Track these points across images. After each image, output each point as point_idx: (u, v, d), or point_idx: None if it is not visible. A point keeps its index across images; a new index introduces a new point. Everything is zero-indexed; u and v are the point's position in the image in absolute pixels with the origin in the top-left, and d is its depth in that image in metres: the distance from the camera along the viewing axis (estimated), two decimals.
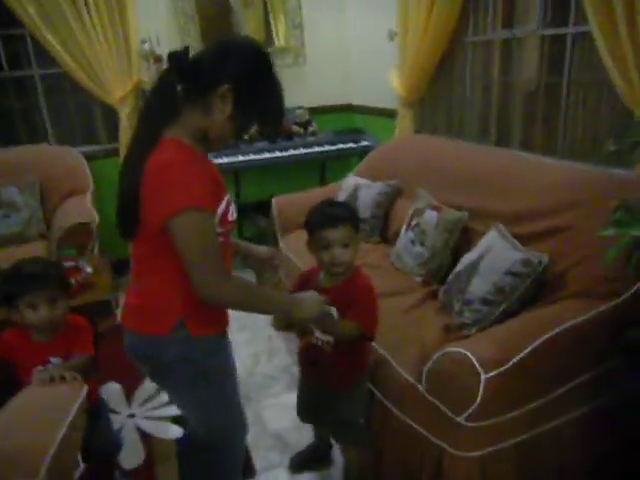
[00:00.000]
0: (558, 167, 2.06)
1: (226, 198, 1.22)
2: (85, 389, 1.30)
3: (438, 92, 3.08)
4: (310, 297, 1.33)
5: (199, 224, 1.09)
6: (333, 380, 1.61)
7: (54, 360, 1.50)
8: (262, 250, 1.56)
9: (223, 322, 1.33)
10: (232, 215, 1.25)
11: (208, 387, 1.30)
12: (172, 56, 1.15)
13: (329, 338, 1.56)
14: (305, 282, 1.63)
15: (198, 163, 1.15)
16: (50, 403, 1.17)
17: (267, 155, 3.48)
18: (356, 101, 4.03)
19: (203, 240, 1.10)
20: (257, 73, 1.17)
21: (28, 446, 0.94)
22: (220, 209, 1.19)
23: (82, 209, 3.00)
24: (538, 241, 1.83)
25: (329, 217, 1.49)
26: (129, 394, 2.37)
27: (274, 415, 2.20)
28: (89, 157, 3.40)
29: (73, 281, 2.03)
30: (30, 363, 1.49)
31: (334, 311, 1.48)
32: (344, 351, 1.55)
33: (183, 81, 1.15)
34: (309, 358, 1.67)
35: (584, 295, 1.60)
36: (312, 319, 1.33)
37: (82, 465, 1.73)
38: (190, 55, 1.16)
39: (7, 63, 3.39)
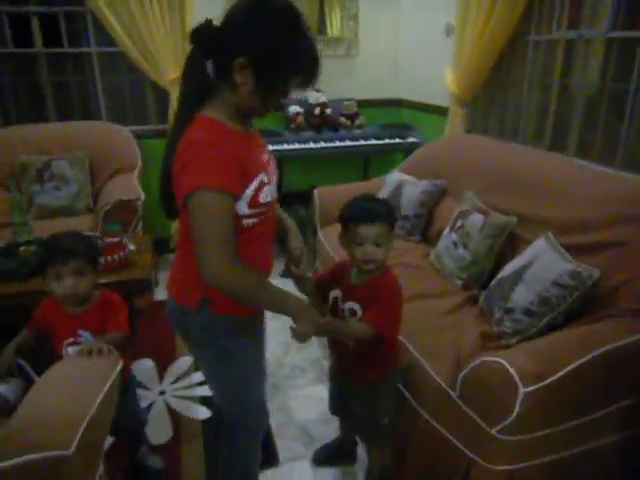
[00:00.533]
0: (616, 178, 1.96)
1: (259, 177, 1.17)
2: (120, 364, 1.32)
3: (493, 91, 2.98)
4: (313, 319, 1.26)
5: (210, 205, 1.08)
6: (358, 377, 1.60)
7: (83, 333, 1.54)
8: (293, 245, 1.47)
9: (249, 307, 1.30)
10: (266, 197, 1.19)
11: (227, 365, 1.33)
12: (194, 32, 1.12)
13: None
14: (338, 273, 1.59)
15: (226, 142, 1.11)
16: (86, 375, 1.20)
17: (312, 145, 3.46)
18: (406, 96, 3.96)
19: (212, 221, 1.08)
20: (274, 39, 1.08)
21: (62, 418, 0.96)
22: (250, 189, 1.15)
23: (129, 186, 3.06)
24: (589, 254, 1.75)
25: (366, 212, 1.43)
26: (162, 371, 2.42)
27: (301, 406, 2.20)
28: (139, 136, 3.46)
29: (116, 257, 2.07)
30: (61, 334, 1.55)
31: (357, 307, 1.48)
32: (365, 348, 1.50)
33: (209, 57, 1.13)
34: (335, 351, 1.66)
35: (635, 314, 1.52)
36: (307, 336, 1.26)
37: (111, 438, 1.79)
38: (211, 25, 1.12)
39: (67, 39, 3.48)
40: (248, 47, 1.07)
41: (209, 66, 1.15)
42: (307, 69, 1.13)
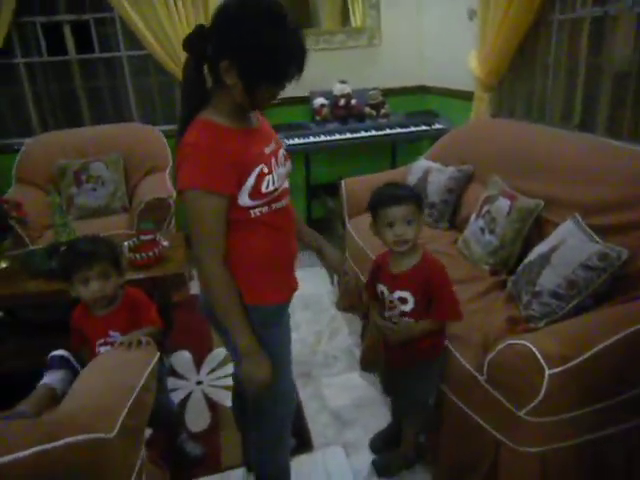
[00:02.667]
0: None
1: (257, 169, 1.20)
2: (157, 355, 1.40)
3: (518, 74, 2.93)
4: (263, 365, 1.29)
5: (195, 204, 1.16)
6: (408, 358, 1.64)
7: (113, 334, 1.61)
8: (332, 257, 1.54)
9: (280, 295, 1.36)
10: (268, 186, 1.23)
11: None
12: (185, 41, 1.18)
13: (409, 321, 1.59)
14: (377, 269, 1.67)
15: (218, 142, 1.15)
16: (126, 365, 1.28)
17: (338, 137, 3.48)
18: (431, 82, 3.93)
19: (198, 219, 1.18)
20: (250, 39, 1.09)
21: (105, 404, 1.04)
22: (249, 182, 1.19)
23: (161, 185, 3.17)
24: (618, 234, 1.73)
25: (392, 195, 1.52)
26: (198, 362, 2.51)
27: (333, 393, 2.25)
28: (169, 135, 3.56)
29: (150, 254, 2.16)
30: (93, 337, 1.63)
31: (407, 295, 1.54)
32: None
33: (202, 62, 1.19)
34: (385, 341, 1.70)
35: None
36: (252, 381, 1.30)
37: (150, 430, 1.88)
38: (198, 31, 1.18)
39: (98, 45, 3.61)
40: (229, 49, 1.12)
41: (205, 71, 1.21)
42: (290, 63, 1.15)
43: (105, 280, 1.56)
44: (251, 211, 1.24)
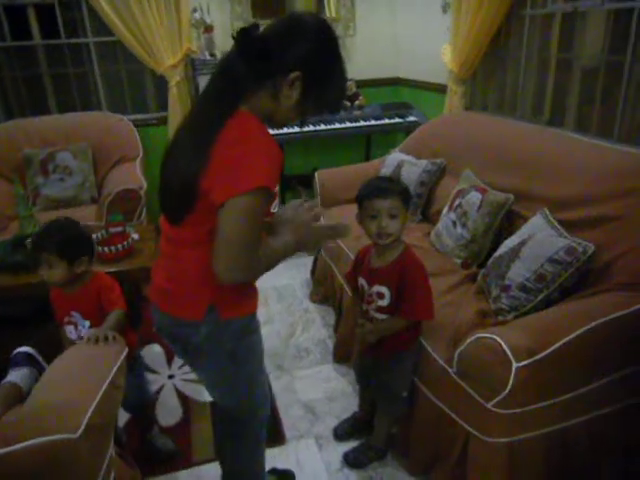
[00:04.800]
0: (613, 151, 1.95)
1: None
2: (126, 350, 1.37)
3: (491, 68, 2.96)
4: (309, 230, 1.27)
5: (259, 206, 1.06)
6: (385, 348, 1.66)
7: (75, 314, 1.63)
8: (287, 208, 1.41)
9: (252, 304, 1.31)
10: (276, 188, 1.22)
11: (234, 367, 1.30)
12: (241, 34, 1.09)
13: (384, 317, 1.61)
14: (359, 262, 1.70)
15: (272, 141, 1.10)
16: (93, 362, 1.25)
17: (312, 128, 3.46)
18: (405, 75, 3.94)
19: (254, 224, 1.07)
20: (327, 57, 1.11)
21: (70, 402, 1.01)
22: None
23: (131, 176, 3.10)
24: (585, 229, 1.77)
25: (378, 188, 1.54)
26: (170, 356, 2.48)
27: (306, 386, 2.25)
28: (139, 125, 3.48)
29: (120, 246, 2.11)
30: (61, 313, 1.66)
31: (384, 290, 1.57)
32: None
33: (251, 62, 1.09)
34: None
35: (629, 288, 1.54)
36: (321, 243, 1.31)
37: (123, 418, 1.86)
38: (257, 33, 1.10)
39: (64, 30, 3.49)
40: (306, 62, 1.08)
41: (247, 70, 1.10)
42: (344, 90, 1.20)
43: (49, 269, 1.57)
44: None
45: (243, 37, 1.09)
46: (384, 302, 1.59)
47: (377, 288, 1.60)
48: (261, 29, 1.13)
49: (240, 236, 1.06)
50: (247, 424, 1.45)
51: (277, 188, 1.24)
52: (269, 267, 1.18)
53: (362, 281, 1.66)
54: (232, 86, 1.11)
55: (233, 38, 1.11)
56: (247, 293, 1.27)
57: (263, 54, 1.07)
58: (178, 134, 1.19)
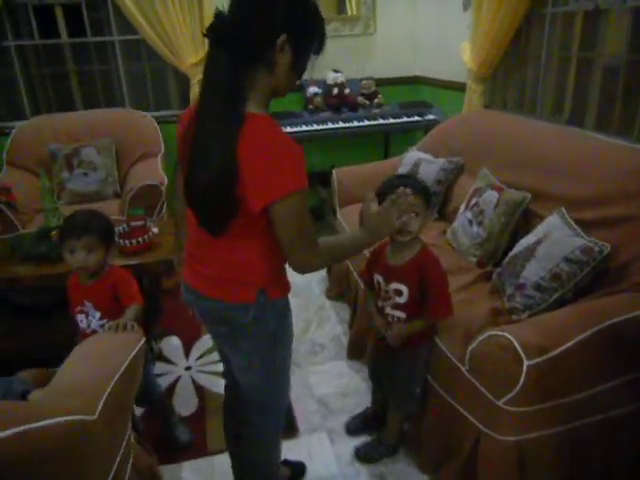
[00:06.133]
0: (632, 151, 1.93)
1: None
2: (143, 340, 1.42)
3: (511, 66, 2.94)
4: (379, 216, 1.29)
5: (302, 206, 1.10)
6: (400, 346, 1.67)
7: (87, 304, 1.67)
8: None
9: (289, 284, 1.35)
10: None
11: (275, 348, 1.35)
12: (215, 29, 1.07)
13: (401, 314, 1.63)
14: (374, 258, 1.71)
15: (292, 140, 1.10)
16: (111, 349, 1.29)
17: (330, 126, 3.48)
18: (424, 73, 3.93)
19: (304, 220, 1.12)
20: (302, 7, 1.11)
21: (87, 386, 1.05)
22: None
23: (153, 171, 3.16)
24: (602, 229, 1.75)
25: (405, 184, 1.53)
26: (187, 348, 2.53)
27: (320, 381, 2.28)
28: (161, 121, 3.54)
29: (140, 240, 2.17)
30: (75, 302, 1.70)
31: (403, 287, 1.59)
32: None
33: (235, 49, 1.07)
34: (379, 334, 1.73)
35: None
36: (393, 228, 1.32)
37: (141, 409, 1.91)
38: (226, 19, 1.08)
39: (90, 29, 3.57)
40: (287, 23, 1.08)
41: (235, 60, 1.08)
42: (324, 27, 1.18)
43: (88, 253, 1.61)
44: None
45: (215, 30, 1.08)
46: (402, 299, 1.61)
47: (395, 285, 1.61)
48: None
49: (297, 234, 1.12)
50: (271, 411, 1.47)
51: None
52: (340, 255, 1.30)
53: (378, 278, 1.67)
54: (228, 83, 1.09)
55: (205, 35, 1.09)
56: (285, 274, 1.32)
57: (243, 35, 1.07)
58: (195, 145, 1.15)
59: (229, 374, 1.53)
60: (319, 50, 1.18)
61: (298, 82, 1.21)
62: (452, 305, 1.61)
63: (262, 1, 1.08)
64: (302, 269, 1.18)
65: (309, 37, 1.14)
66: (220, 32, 1.07)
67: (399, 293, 1.61)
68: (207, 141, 1.10)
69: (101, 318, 1.67)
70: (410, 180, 1.62)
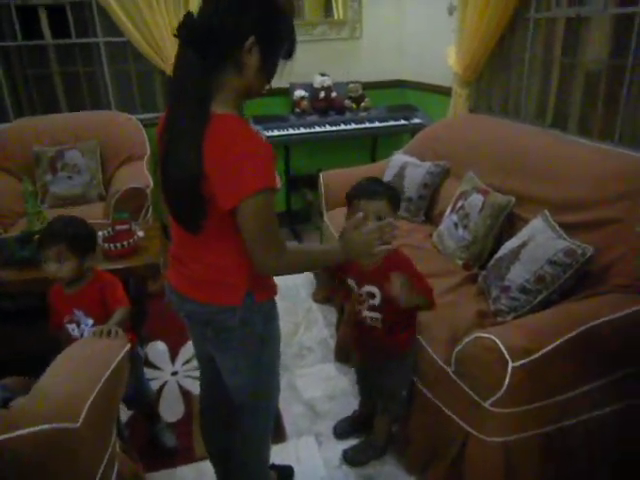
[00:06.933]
0: (614, 154, 1.97)
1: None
2: (128, 345, 1.40)
3: (496, 71, 2.97)
4: (359, 237, 1.27)
5: (268, 205, 1.10)
6: (383, 352, 1.68)
7: (77, 312, 1.64)
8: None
9: (275, 286, 1.35)
10: (279, 182, 1.22)
11: (262, 350, 1.35)
12: (185, 30, 1.08)
13: (377, 315, 1.63)
14: (347, 264, 1.66)
15: (260, 139, 1.12)
16: (95, 356, 1.28)
17: (317, 129, 3.48)
18: (410, 77, 3.95)
19: (270, 219, 1.11)
20: (269, 9, 1.11)
21: (70, 393, 1.04)
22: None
23: (138, 174, 3.14)
24: (585, 231, 1.78)
25: (367, 189, 1.56)
26: (173, 353, 2.51)
27: (307, 384, 2.28)
28: (147, 124, 3.52)
29: (125, 244, 2.15)
30: (61, 313, 1.67)
31: (375, 290, 1.57)
32: (393, 325, 1.63)
33: (203, 52, 1.08)
34: (358, 337, 1.74)
35: (627, 290, 1.55)
36: (370, 254, 1.28)
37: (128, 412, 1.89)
38: (196, 20, 1.09)
39: (74, 30, 3.54)
40: (255, 25, 1.08)
41: (205, 61, 1.10)
42: (293, 28, 1.18)
43: (58, 263, 1.58)
44: None
45: (184, 31, 1.09)
46: (375, 301, 1.61)
47: (367, 288, 1.62)
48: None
49: (261, 234, 1.11)
50: (261, 411, 1.47)
51: (280, 183, 1.25)
52: (306, 263, 1.28)
53: (351, 281, 1.66)
54: (196, 82, 1.10)
55: (175, 36, 1.10)
56: (271, 276, 1.32)
57: (212, 37, 1.08)
58: (167, 144, 1.17)
59: (209, 379, 1.54)
60: (289, 55, 1.19)
61: (268, 86, 1.21)
62: (434, 298, 1.60)
63: (232, 3, 1.09)
64: (265, 271, 1.17)
65: (278, 41, 1.15)
66: (189, 32, 1.09)
67: (372, 295, 1.61)
68: (176, 140, 1.12)
69: (94, 324, 1.64)
70: (376, 185, 1.60)
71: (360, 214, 1.30)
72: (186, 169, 1.09)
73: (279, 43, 1.15)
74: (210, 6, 1.11)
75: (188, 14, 1.10)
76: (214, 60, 1.10)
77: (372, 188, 1.57)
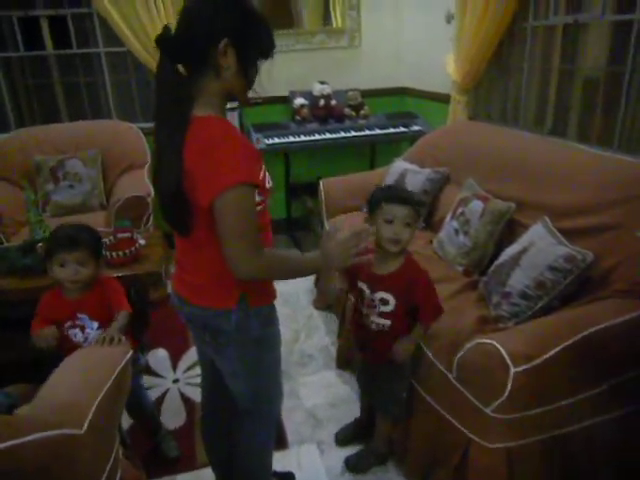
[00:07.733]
0: (613, 161, 1.98)
1: (263, 166, 1.22)
2: (130, 352, 1.40)
3: (494, 78, 2.99)
4: (336, 246, 1.28)
5: (244, 201, 1.09)
6: (385, 355, 1.68)
7: (81, 316, 1.65)
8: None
9: (274, 292, 1.36)
10: (269, 182, 1.25)
11: (260, 354, 1.36)
12: (162, 41, 1.13)
13: (386, 322, 1.63)
14: (355, 268, 1.66)
15: (240, 135, 1.15)
16: (98, 363, 1.28)
17: (317, 137, 3.50)
18: (409, 84, 3.98)
19: (246, 217, 1.11)
20: (241, 11, 1.14)
21: (75, 399, 1.04)
22: (261, 176, 1.19)
23: (139, 183, 3.15)
24: (585, 237, 1.78)
25: (399, 194, 1.57)
26: (175, 360, 2.51)
27: (309, 392, 2.28)
28: (147, 132, 3.54)
29: (127, 252, 2.15)
30: (63, 319, 1.66)
31: (390, 297, 1.59)
32: (400, 332, 1.64)
33: (181, 60, 1.14)
34: (361, 341, 1.75)
35: (627, 295, 1.56)
36: (347, 263, 1.29)
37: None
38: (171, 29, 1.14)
39: (75, 40, 3.57)
40: (227, 28, 1.11)
41: (182, 70, 1.15)
42: (270, 39, 1.20)
43: (80, 266, 1.60)
44: (257, 207, 1.19)
45: (161, 40, 1.13)
46: (387, 308, 1.62)
47: (382, 294, 1.62)
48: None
49: (235, 231, 1.10)
50: (263, 416, 1.47)
51: (270, 184, 1.26)
52: (283, 268, 1.24)
53: (363, 286, 1.67)
54: (177, 97, 1.14)
55: (155, 47, 1.15)
56: (271, 283, 1.34)
57: (186, 44, 1.12)
58: (157, 151, 1.21)
59: (211, 384, 1.55)
60: (266, 54, 1.20)
61: (253, 93, 1.23)
62: (441, 304, 1.62)
63: (202, 8, 1.12)
64: (239, 273, 1.14)
65: (252, 41, 1.16)
66: (165, 40, 1.13)
67: (385, 302, 1.61)
68: (161, 144, 1.16)
69: (99, 327, 1.65)
70: (407, 192, 1.63)
71: (339, 227, 1.32)
72: (170, 171, 1.12)
73: (254, 43, 1.16)
74: (184, 15, 1.15)
75: (165, 26, 1.15)
76: (193, 66, 1.15)
77: (404, 194, 1.58)
